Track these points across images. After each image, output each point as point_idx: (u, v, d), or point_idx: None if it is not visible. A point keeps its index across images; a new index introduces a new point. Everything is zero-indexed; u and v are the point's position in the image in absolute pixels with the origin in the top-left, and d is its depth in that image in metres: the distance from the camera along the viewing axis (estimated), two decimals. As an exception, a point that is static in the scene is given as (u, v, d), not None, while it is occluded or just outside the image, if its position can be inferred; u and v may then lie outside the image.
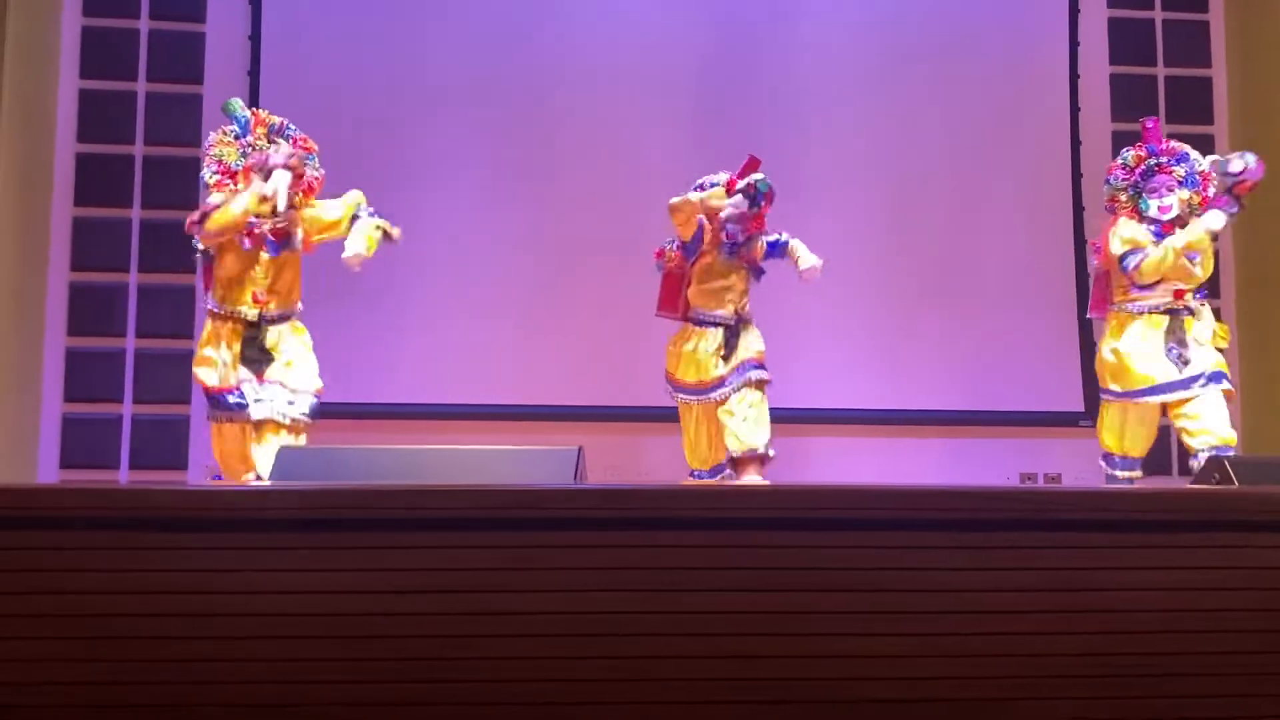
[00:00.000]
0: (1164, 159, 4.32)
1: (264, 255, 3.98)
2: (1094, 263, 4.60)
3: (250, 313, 3.99)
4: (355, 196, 4.19)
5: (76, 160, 5.92)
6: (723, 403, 4.39)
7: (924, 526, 2.22)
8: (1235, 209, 4.23)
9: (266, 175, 3.94)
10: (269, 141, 4.06)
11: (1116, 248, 4.27)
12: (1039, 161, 6.41)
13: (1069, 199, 6.38)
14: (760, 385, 4.41)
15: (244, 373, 3.96)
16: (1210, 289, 4.52)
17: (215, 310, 4.03)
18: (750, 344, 4.46)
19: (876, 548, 2.20)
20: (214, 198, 4.01)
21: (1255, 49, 6.40)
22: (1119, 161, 4.43)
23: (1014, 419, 6.20)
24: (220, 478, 4.19)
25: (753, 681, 2.12)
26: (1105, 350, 4.36)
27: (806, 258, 4.45)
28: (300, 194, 4.08)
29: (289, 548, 2.14)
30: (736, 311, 4.48)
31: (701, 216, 4.41)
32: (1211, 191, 4.27)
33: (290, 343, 4.04)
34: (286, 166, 3.95)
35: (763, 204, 4.44)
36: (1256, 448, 5.69)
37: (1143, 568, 2.21)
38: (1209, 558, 2.23)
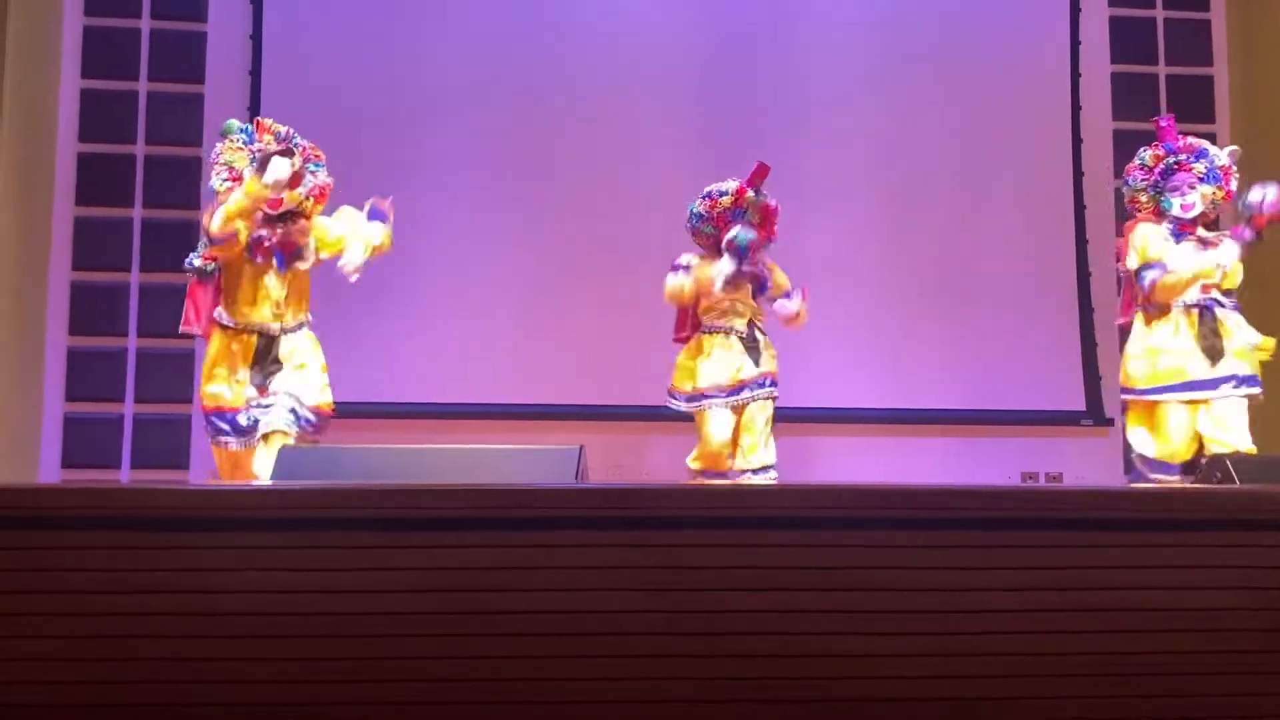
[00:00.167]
0: (1183, 156, 4.17)
1: (274, 268, 3.93)
2: (1119, 267, 4.44)
3: (273, 326, 3.94)
4: (366, 235, 4.03)
5: (78, 160, 5.92)
6: (744, 407, 4.46)
7: (925, 526, 2.22)
8: (1250, 238, 4.05)
9: (263, 166, 3.85)
10: (277, 144, 4.01)
11: (1133, 262, 4.18)
12: (1040, 161, 6.41)
13: (1070, 198, 6.38)
14: (773, 399, 4.52)
15: (250, 390, 3.91)
16: (1210, 289, 4.49)
17: (228, 325, 3.96)
18: (769, 361, 4.54)
19: (877, 547, 2.19)
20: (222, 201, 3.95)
21: (1256, 47, 6.39)
22: (1137, 162, 4.27)
23: (1015, 418, 6.20)
24: (220, 479, 4.17)
25: (753, 681, 2.11)
26: (1135, 347, 4.22)
27: (783, 304, 4.48)
28: (311, 199, 4.03)
29: (289, 547, 2.13)
30: (751, 321, 4.53)
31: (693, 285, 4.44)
32: (1234, 185, 4.16)
33: (304, 353, 3.99)
34: (281, 153, 3.86)
35: (748, 255, 4.39)
36: (1257, 447, 5.66)
37: (1145, 566, 2.21)
38: (1212, 557, 2.22)
